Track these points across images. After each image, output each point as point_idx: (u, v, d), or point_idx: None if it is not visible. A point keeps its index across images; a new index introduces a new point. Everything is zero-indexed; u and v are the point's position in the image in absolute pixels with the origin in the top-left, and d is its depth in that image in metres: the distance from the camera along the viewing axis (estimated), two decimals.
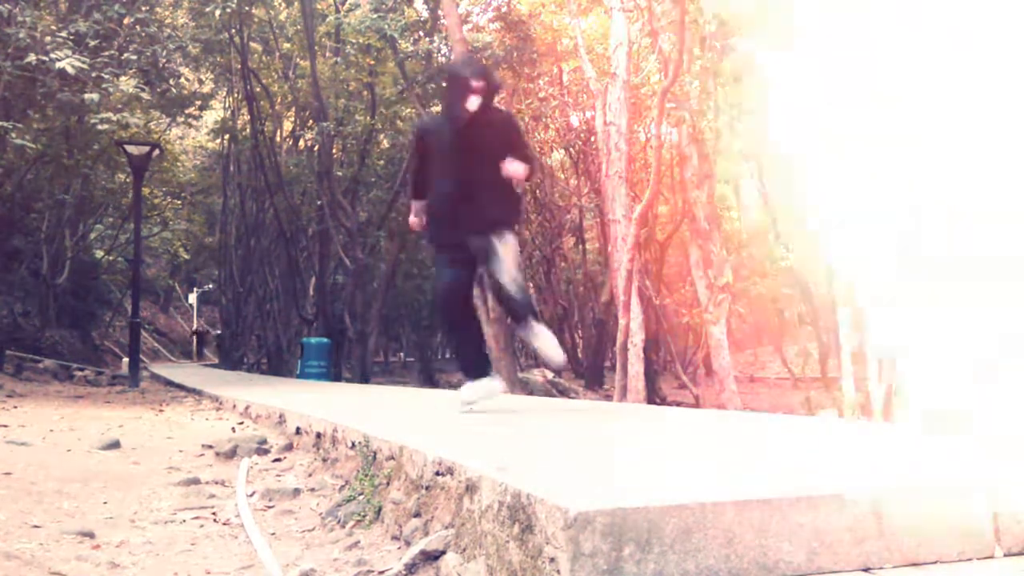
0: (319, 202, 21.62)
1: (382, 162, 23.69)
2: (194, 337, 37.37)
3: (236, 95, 23.63)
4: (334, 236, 20.68)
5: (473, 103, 4.11)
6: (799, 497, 1.64)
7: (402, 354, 37.23)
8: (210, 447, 4.81)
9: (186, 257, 32.01)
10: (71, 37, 11.31)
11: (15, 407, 7.73)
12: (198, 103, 23.46)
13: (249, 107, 21.74)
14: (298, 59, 22.40)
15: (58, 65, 10.44)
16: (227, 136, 25.54)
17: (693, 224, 15.15)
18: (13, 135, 11.07)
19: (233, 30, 19.89)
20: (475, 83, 4.13)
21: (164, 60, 13.52)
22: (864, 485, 1.74)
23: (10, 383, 11.05)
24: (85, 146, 15.90)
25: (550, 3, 21.08)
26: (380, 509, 2.74)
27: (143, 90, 12.22)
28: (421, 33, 18.49)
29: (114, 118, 11.88)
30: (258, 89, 22.07)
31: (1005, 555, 1.73)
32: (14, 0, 11.37)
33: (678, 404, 16.59)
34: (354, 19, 17.63)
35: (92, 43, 11.59)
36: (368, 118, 20.34)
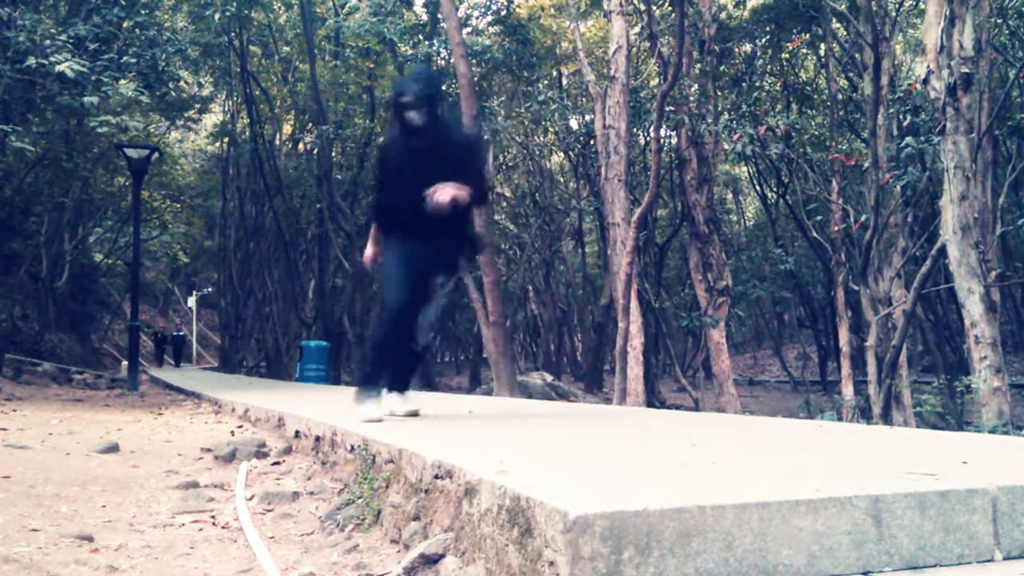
0: (318, 205, 21.63)
1: None
2: (153, 341, 34.92)
3: (235, 98, 23.67)
4: (333, 239, 20.69)
5: (413, 118, 4.01)
6: (799, 500, 1.63)
7: None
8: (209, 450, 4.81)
9: (185, 260, 32.01)
10: (71, 40, 11.32)
11: (14, 410, 7.72)
12: (197, 106, 23.49)
13: (248, 110, 21.76)
14: (297, 62, 22.43)
15: (58, 68, 10.44)
16: (226, 139, 25.57)
17: (692, 227, 15.16)
18: (12, 138, 11.07)
19: (232, 33, 19.92)
20: (403, 99, 4.01)
21: (163, 63, 13.53)
22: (864, 489, 1.73)
23: (9, 386, 11.04)
24: (84, 149, 15.92)
25: (549, 6, 21.11)
26: (379, 512, 2.73)
27: (142, 93, 12.22)
28: (420, 36, 18.51)
29: (113, 121, 11.89)
30: (257, 92, 22.09)
31: (1004, 559, 1.73)
32: (14, 3, 11.38)
33: (677, 407, 16.58)
34: (353, 22, 17.66)
35: (92, 46, 11.60)
36: (367, 121, 20.37)
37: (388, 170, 4.24)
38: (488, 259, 12.47)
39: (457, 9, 15.91)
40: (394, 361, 4.15)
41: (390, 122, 4.41)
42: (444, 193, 3.83)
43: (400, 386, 4.23)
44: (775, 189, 21.67)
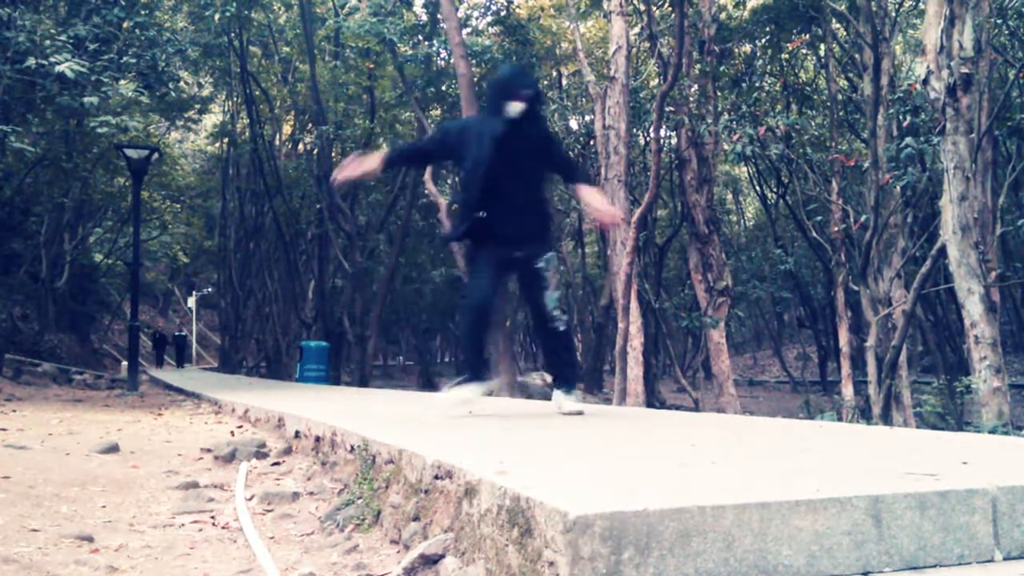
0: (318, 206, 21.64)
1: None
2: (152, 341, 34.48)
3: (235, 99, 23.68)
4: (333, 240, 20.69)
5: (515, 109, 4.08)
6: (799, 500, 1.63)
7: (401, 357, 37.26)
8: (209, 451, 4.81)
9: (185, 261, 32.04)
10: (70, 41, 11.32)
11: (14, 411, 7.72)
12: (197, 107, 23.51)
13: (248, 111, 21.76)
14: (297, 63, 22.43)
15: (57, 69, 10.44)
16: (226, 140, 25.57)
17: (692, 227, 15.16)
18: (12, 139, 11.07)
19: (232, 34, 19.92)
20: (526, 91, 4.11)
21: (163, 64, 13.53)
22: (864, 489, 1.73)
23: (9, 387, 11.04)
24: (84, 150, 15.91)
25: (549, 6, 21.10)
26: (379, 513, 2.73)
27: (142, 94, 12.23)
28: (420, 37, 18.51)
29: (113, 122, 11.89)
30: (257, 93, 22.10)
31: (1004, 559, 1.73)
32: (14, 3, 11.38)
33: (677, 408, 16.58)
34: (353, 23, 17.66)
35: (91, 47, 11.60)
36: (367, 122, 20.37)
37: (479, 166, 4.15)
38: None
39: (457, 9, 15.92)
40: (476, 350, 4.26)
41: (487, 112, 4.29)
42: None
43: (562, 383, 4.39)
44: (775, 189, 21.68)
